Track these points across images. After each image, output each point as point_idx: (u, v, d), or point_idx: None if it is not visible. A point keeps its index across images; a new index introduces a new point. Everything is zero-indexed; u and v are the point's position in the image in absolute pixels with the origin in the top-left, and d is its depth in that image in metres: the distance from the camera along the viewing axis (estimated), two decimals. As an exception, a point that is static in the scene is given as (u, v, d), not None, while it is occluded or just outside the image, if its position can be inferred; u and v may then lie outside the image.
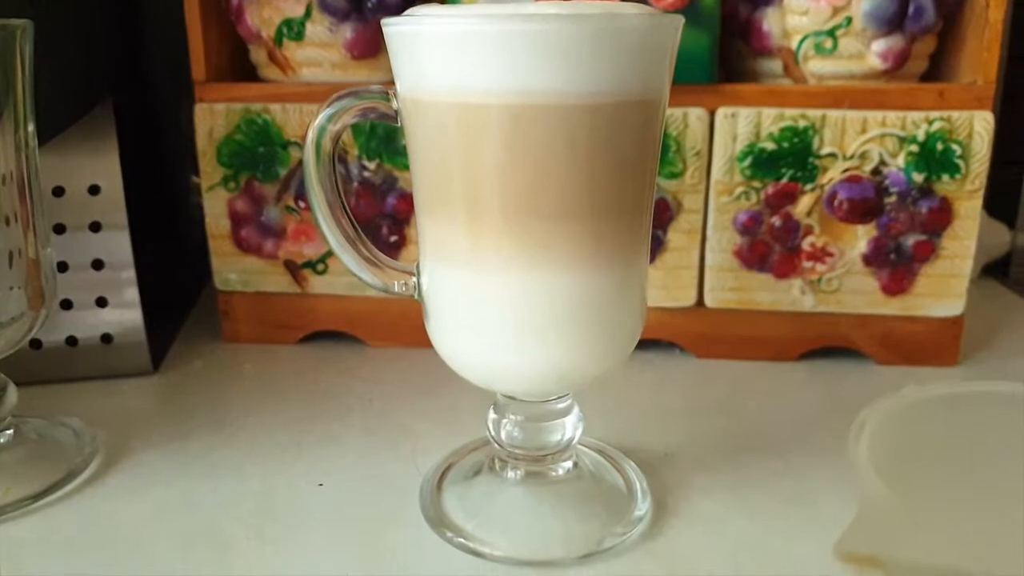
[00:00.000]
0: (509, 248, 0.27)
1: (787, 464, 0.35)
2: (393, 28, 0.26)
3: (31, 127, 0.34)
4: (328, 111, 0.28)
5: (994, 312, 0.52)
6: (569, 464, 0.32)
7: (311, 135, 0.28)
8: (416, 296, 0.30)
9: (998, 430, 0.20)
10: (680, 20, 0.27)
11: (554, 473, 0.31)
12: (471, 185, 0.26)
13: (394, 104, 0.28)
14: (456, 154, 0.26)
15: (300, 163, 0.43)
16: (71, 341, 0.42)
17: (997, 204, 0.57)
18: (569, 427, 0.30)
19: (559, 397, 0.30)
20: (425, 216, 0.29)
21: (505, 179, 0.26)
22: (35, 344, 0.41)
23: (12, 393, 0.34)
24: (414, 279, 0.30)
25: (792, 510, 0.32)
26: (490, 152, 0.26)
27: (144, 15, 0.49)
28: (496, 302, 0.27)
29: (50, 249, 0.35)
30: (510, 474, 0.31)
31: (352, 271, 0.30)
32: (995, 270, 0.58)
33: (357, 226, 0.30)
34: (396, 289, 0.30)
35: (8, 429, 0.35)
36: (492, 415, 0.31)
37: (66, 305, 0.41)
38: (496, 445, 0.31)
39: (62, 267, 0.41)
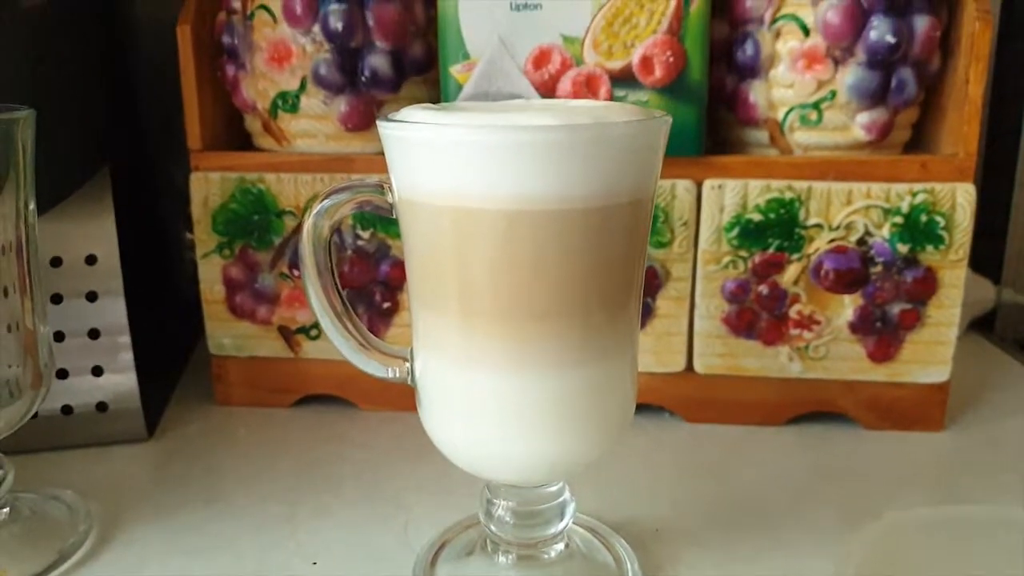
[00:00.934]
0: (501, 345, 0.27)
1: (776, 541, 0.36)
2: (387, 131, 0.27)
3: (32, 205, 0.35)
4: (322, 206, 0.29)
5: (980, 369, 0.53)
6: (561, 546, 0.32)
7: (306, 229, 0.29)
8: (410, 382, 0.31)
9: (982, 557, 0.20)
10: (668, 121, 0.28)
11: (546, 556, 0.32)
12: (465, 284, 0.27)
13: (389, 198, 0.29)
14: (450, 253, 0.27)
15: (294, 231, 0.44)
16: (66, 410, 0.42)
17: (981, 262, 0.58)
18: (563, 516, 0.31)
19: (550, 483, 0.31)
20: (418, 307, 0.29)
21: (498, 279, 0.27)
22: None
23: (10, 473, 0.35)
24: (407, 364, 0.31)
25: (781, 590, 0.33)
26: (484, 253, 0.26)
27: (138, 78, 0.50)
28: (487, 395, 0.28)
29: (48, 327, 0.36)
30: (502, 558, 0.32)
31: (350, 360, 0.31)
32: (981, 325, 0.59)
33: (352, 313, 0.31)
34: (390, 375, 0.31)
35: (5, 507, 0.35)
36: (484, 499, 0.31)
37: (62, 374, 0.41)
38: (488, 530, 0.32)
39: (59, 336, 0.41)
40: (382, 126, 0.27)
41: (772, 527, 0.37)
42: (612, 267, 0.28)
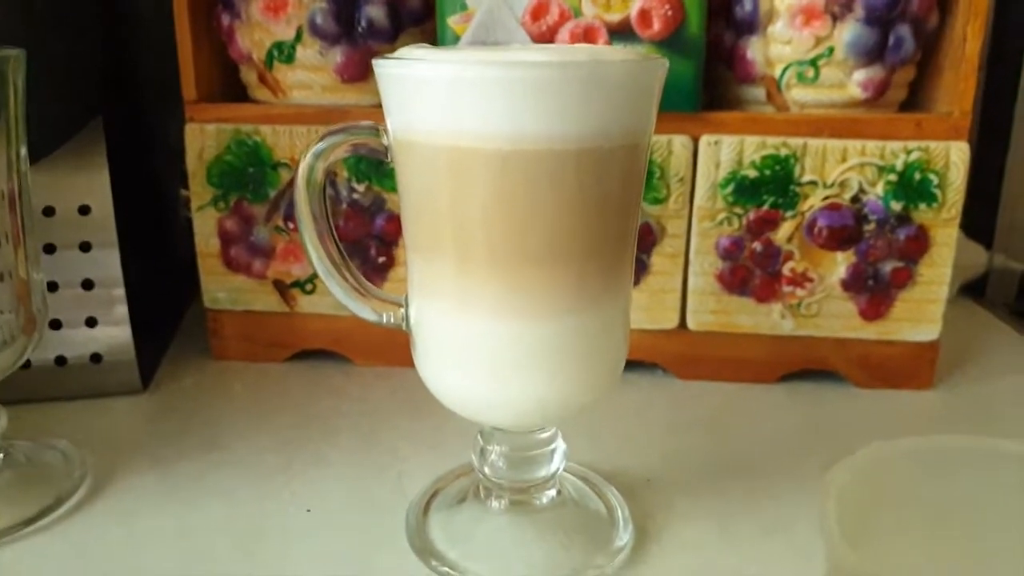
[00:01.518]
0: (495, 289, 0.27)
1: (767, 490, 0.36)
2: (383, 69, 0.27)
3: (23, 150, 0.34)
4: (317, 148, 0.29)
5: (970, 332, 0.53)
6: (553, 492, 0.33)
7: (301, 171, 0.29)
8: (404, 327, 0.31)
9: (967, 488, 0.20)
10: (665, 64, 0.27)
11: (538, 502, 0.32)
12: (459, 227, 0.27)
13: (384, 140, 0.29)
14: (445, 194, 0.27)
15: (289, 184, 0.44)
16: (60, 361, 0.42)
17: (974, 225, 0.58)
18: (553, 460, 0.31)
19: (543, 428, 0.31)
20: (413, 252, 0.29)
21: (493, 220, 0.27)
22: (24, 363, 0.41)
23: (2, 417, 0.35)
24: (402, 310, 0.31)
25: (771, 538, 0.33)
26: (479, 194, 0.26)
27: (133, 32, 0.50)
28: (482, 341, 0.28)
29: (41, 274, 0.35)
30: (494, 503, 0.32)
31: (342, 303, 0.31)
32: (972, 290, 0.59)
33: (346, 258, 0.31)
34: (385, 321, 0.31)
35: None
36: (478, 445, 0.32)
37: (55, 325, 0.41)
38: (481, 475, 0.32)
39: (52, 287, 0.41)
40: (378, 64, 0.27)
41: (762, 478, 0.37)
42: (606, 213, 0.28)
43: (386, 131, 0.29)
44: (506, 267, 0.27)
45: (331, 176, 0.43)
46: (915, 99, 0.45)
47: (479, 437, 0.32)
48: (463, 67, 0.25)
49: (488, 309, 0.28)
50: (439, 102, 0.26)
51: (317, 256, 0.30)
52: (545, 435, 0.31)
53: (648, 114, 0.28)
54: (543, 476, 0.31)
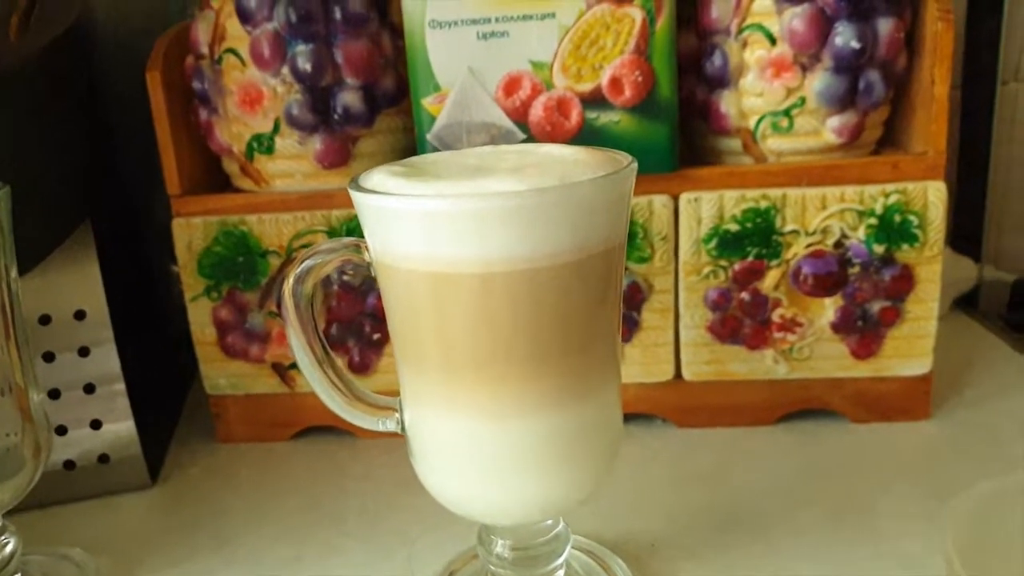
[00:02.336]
0: (485, 395, 0.28)
1: (770, 546, 0.37)
2: (360, 199, 0.27)
3: (13, 272, 0.35)
4: (302, 267, 0.29)
5: (964, 349, 0.54)
6: (560, 573, 0.33)
7: (286, 296, 0.29)
8: (400, 431, 0.32)
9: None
10: (634, 168, 0.28)
11: (547, 586, 0.33)
12: (443, 342, 0.28)
13: (366, 256, 0.29)
14: (427, 313, 0.27)
15: (280, 269, 0.44)
16: (69, 465, 0.42)
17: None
18: (560, 551, 0.32)
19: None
20: (403, 363, 0.30)
21: (476, 335, 0.27)
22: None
23: (14, 540, 0.35)
24: (397, 415, 0.32)
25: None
26: (460, 313, 0.27)
27: (115, 124, 0.50)
28: (473, 442, 0.29)
29: (41, 394, 0.36)
30: (505, 591, 0.33)
31: (347, 419, 0.31)
32: (965, 303, 0.60)
33: (341, 372, 0.31)
34: (381, 427, 0.32)
35: (16, 573, 0.35)
36: (481, 537, 0.32)
37: (61, 431, 0.42)
38: (488, 564, 0.32)
39: (55, 394, 0.42)
40: (352, 193, 0.27)
41: (765, 533, 0.38)
42: (589, 311, 0.28)
43: (367, 248, 0.29)
44: (492, 375, 0.28)
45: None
46: (890, 134, 0.45)
47: (483, 529, 0.32)
48: (430, 201, 0.25)
49: (477, 411, 0.28)
50: (414, 231, 0.26)
51: (311, 373, 0.31)
52: (547, 525, 0.32)
53: (621, 219, 0.28)
54: (550, 569, 0.32)
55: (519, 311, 0.27)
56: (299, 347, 0.30)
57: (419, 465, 0.31)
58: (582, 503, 0.30)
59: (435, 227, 0.26)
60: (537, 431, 0.28)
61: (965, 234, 0.60)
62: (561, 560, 0.32)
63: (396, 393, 0.31)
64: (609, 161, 0.28)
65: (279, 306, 0.30)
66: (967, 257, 0.60)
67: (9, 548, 0.35)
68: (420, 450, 0.31)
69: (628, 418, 0.46)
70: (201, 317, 0.46)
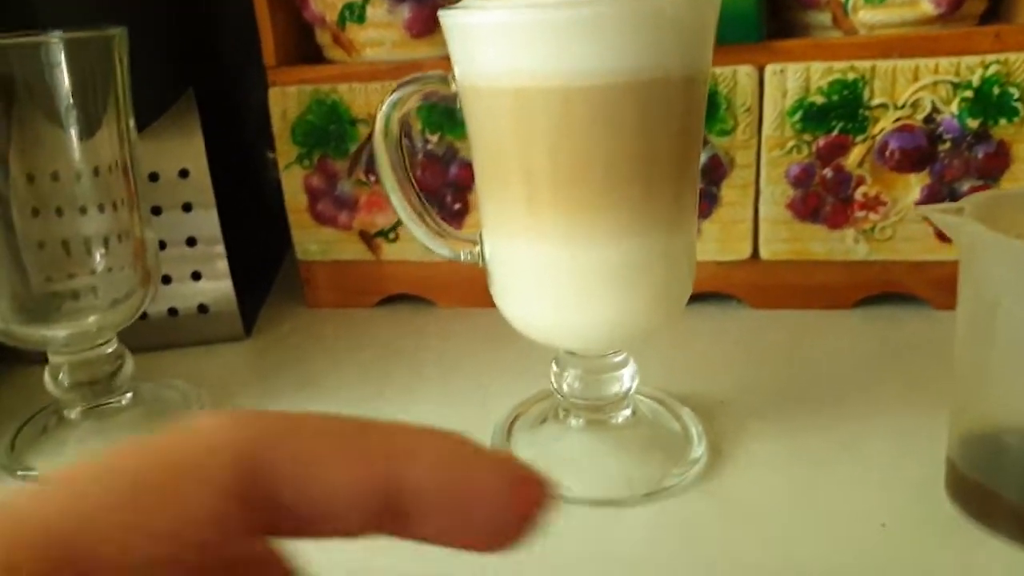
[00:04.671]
0: (564, 220, 0.29)
1: (840, 412, 0.37)
2: (447, 19, 0.28)
3: (131, 121, 0.38)
4: (393, 98, 0.31)
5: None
6: (628, 412, 0.34)
7: (379, 123, 0.31)
8: (480, 263, 0.33)
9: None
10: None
11: (614, 420, 0.34)
12: (526, 162, 0.29)
13: (453, 86, 0.31)
14: (510, 134, 0.29)
15: (368, 138, 0.46)
16: (172, 312, 0.46)
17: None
18: (625, 379, 0.33)
19: (615, 352, 0.33)
20: (484, 191, 0.31)
21: (556, 156, 0.28)
22: (142, 316, 0.45)
23: (130, 362, 0.39)
24: (478, 248, 0.33)
25: (844, 454, 0.34)
26: (542, 131, 0.28)
27: (213, 8, 0.53)
28: (552, 269, 0.30)
29: (153, 233, 0.39)
30: (573, 422, 0.34)
31: (423, 243, 0.33)
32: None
33: (425, 201, 0.33)
34: (462, 257, 0.33)
35: (129, 392, 0.39)
36: (554, 369, 0.34)
37: (166, 280, 0.45)
38: (559, 396, 0.34)
39: (161, 245, 0.45)
40: (442, 15, 0.29)
41: (837, 402, 0.38)
42: (665, 143, 0.29)
43: (454, 78, 0.30)
44: (570, 198, 0.29)
45: (406, 128, 0.45)
46: (997, 9, 0.44)
47: (554, 363, 0.34)
48: (512, 12, 0.26)
49: (555, 238, 0.29)
50: (498, 47, 0.27)
51: (399, 202, 0.32)
52: (617, 359, 0.33)
53: (703, 47, 0.29)
54: (616, 394, 0.33)
55: (598, 131, 0.27)
56: (385, 168, 0.31)
57: (497, 293, 0.33)
58: (652, 332, 0.31)
59: (517, 41, 0.27)
60: (612, 258, 0.29)
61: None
62: (627, 387, 0.33)
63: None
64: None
65: (370, 139, 0.32)
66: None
67: (126, 369, 0.38)
68: (498, 279, 0.32)
69: (702, 297, 0.47)
70: (294, 185, 0.48)
